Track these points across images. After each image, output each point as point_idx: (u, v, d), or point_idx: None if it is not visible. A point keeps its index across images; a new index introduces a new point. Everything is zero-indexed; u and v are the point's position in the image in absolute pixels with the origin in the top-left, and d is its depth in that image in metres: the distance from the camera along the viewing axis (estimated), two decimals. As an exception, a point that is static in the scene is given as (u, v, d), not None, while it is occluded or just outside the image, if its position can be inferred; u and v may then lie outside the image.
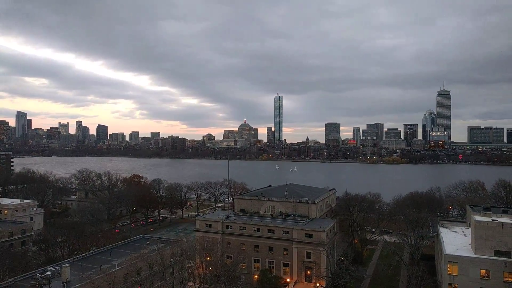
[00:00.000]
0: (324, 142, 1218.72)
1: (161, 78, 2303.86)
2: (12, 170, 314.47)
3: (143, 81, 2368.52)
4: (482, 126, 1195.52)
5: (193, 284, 77.68)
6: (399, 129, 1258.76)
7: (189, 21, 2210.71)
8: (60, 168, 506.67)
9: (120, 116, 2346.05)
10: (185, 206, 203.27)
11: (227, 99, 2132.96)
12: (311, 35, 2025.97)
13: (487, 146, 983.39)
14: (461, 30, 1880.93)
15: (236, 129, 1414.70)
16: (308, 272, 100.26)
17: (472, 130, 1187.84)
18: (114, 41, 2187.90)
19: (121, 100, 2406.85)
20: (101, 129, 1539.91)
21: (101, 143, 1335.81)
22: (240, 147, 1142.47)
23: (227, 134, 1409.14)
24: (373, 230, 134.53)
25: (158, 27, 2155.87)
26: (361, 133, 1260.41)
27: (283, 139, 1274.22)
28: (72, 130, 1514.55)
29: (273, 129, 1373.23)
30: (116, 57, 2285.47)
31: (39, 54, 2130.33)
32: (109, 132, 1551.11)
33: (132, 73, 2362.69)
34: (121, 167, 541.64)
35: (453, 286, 75.49)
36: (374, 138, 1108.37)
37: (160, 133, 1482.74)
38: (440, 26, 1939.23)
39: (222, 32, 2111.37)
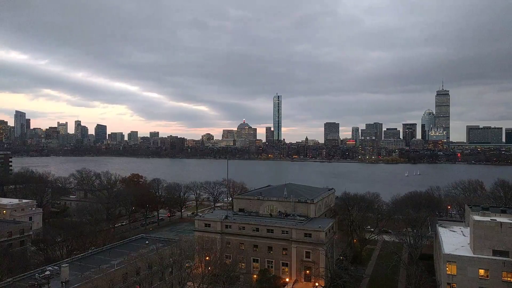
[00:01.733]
0: (323, 142, 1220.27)
1: (147, 89, 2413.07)
2: (11, 170, 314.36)
3: (132, 88, 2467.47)
4: (481, 126, 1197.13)
5: (192, 284, 77.69)
6: (398, 129, 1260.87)
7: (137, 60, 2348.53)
8: (59, 167, 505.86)
9: (117, 117, 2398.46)
10: (184, 206, 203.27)
11: (210, 102, 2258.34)
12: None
13: (486, 146, 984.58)
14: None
15: (235, 128, 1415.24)
16: (307, 271, 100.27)
17: (471, 130, 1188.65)
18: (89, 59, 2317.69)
19: (115, 105, 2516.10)
20: (100, 128, 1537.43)
21: (100, 142, 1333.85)
22: (239, 146, 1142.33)
23: (226, 134, 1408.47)
24: (372, 229, 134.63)
25: (121, 57, 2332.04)
26: (360, 133, 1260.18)
27: (282, 139, 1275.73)
28: (71, 130, 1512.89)
29: (272, 129, 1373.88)
30: (102, 71, 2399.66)
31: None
32: (108, 131, 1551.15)
33: (121, 83, 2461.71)
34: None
35: (451, 285, 75.55)
36: (373, 138, 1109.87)
37: (159, 133, 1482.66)
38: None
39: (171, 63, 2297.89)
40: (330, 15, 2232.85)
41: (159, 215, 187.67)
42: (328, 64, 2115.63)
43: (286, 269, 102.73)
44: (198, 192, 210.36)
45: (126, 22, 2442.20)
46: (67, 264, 69.66)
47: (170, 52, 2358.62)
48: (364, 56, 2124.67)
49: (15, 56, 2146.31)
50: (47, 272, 66.34)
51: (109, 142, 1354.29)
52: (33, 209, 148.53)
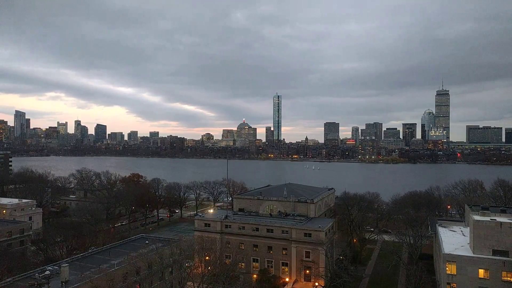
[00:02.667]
0: (323, 142, 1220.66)
1: (143, 91, 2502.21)
2: (11, 169, 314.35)
3: (129, 91, 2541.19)
4: (481, 126, 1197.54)
5: (192, 284, 77.65)
6: (398, 129, 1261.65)
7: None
8: (58, 167, 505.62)
9: (117, 117, 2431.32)
10: (184, 206, 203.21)
11: (206, 103, 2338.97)
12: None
13: (486, 146, 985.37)
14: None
15: (235, 128, 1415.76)
16: (307, 271, 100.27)
17: (470, 129, 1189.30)
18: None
19: (114, 106, 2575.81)
20: (100, 128, 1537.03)
21: (100, 142, 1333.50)
22: (239, 146, 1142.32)
23: (226, 133, 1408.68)
24: (372, 229, 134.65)
25: (108, 68, 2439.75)
26: (360, 132, 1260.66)
27: (282, 139, 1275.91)
28: (71, 129, 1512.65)
29: (272, 129, 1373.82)
30: (95, 77, 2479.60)
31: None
32: (108, 131, 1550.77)
33: (117, 87, 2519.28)
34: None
35: (451, 285, 75.55)
36: (373, 137, 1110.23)
37: (159, 133, 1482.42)
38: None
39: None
40: (260, 39, 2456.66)
41: (159, 214, 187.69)
42: (286, 73, 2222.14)
43: (286, 269, 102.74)
44: (198, 191, 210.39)
45: (94, 46, 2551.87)
46: (67, 264, 69.66)
47: (148, 65, 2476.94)
48: (316, 67, 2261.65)
49: (19, 65, 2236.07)
50: (47, 272, 66.31)
51: (109, 142, 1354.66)
52: (33, 209, 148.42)
